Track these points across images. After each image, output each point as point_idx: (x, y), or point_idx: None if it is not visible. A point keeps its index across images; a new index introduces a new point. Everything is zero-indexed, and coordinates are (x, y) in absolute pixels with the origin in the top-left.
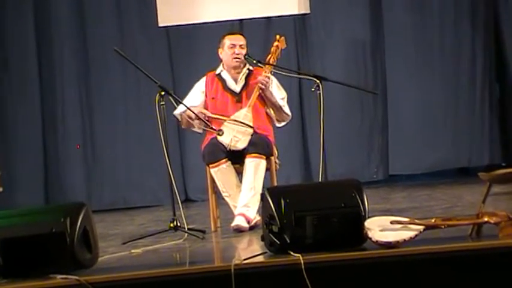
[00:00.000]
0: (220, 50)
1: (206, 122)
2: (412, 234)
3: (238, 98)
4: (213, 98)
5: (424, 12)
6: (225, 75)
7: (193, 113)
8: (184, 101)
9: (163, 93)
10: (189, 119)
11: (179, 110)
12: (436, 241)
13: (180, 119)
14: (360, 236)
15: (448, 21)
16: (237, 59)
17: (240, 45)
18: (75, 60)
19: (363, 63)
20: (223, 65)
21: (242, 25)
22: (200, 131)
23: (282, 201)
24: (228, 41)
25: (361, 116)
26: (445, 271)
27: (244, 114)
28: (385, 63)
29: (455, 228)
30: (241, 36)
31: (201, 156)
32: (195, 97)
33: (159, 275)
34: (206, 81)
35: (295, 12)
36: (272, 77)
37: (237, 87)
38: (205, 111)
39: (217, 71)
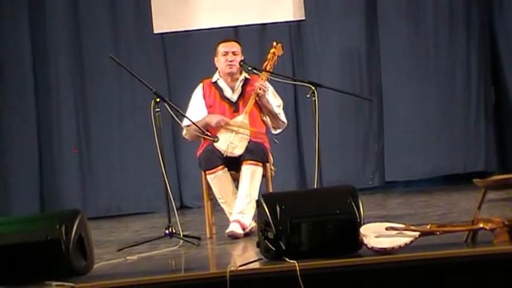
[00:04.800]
0: (215, 59)
1: (204, 130)
2: (407, 240)
3: (235, 107)
4: (210, 106)
5: (419, 20)
6: (222, 83)
7: (205, 134)
8: (188, 114)
9: (158, 100)
10: (201, 134)
11: (187, 122)
12: (431, 247)
13: (185, 132)
14: (355, 243)
15: (443, 29)
16: (230, 66)
17: (233, 52)
18: (70, 68)
19: (358, 70)
20: (219, 72)
21: (237, 32)
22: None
23: (278, 208)
24: (221, 48)
25: (356, 122)
26: (441, 277)
27: (241, 121)
28: (380, 70)
29: (451, 234)
30: (234, 43)
31: (197, 162)
32: (200, 109)
33: (154, 281)
34: (204, 89)
35: (291, 19)
36: (268, 85)
37: (233, 96)
38: (226, 119)
39: (214, 79)
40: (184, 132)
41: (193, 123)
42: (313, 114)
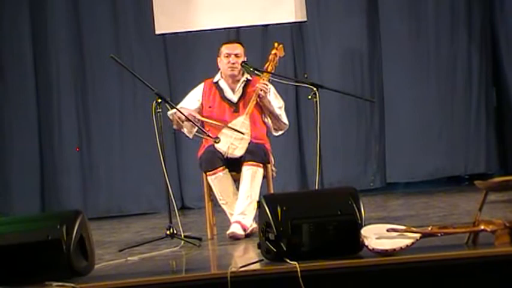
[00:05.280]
0: (218, 59)
1: (202, 128)
2: (408, 242)
3: (236, 108)
4: (210, 107)
5: (420, 21)
6: (223, 84)
7: (183, 114)
8: (180, 105)
9: (160, 100)
10: (179, 120)
11: (172, 110)
12: (432, 249)
13: (171, 119)
14: (356, 244)
15: (444, 29)
16: (232, 68)
17: (236, 54)
18: (71, 68)
19: (360, 71)
20: (221, 73)
21: (239, 33)
22: (190, 135)
23: (279, 209)
24: (224, 49)
25: (358, 124)
26: (442, 279)
27: (242, 122)
28: (381, 71)
29: (452, 236)
30: (237, 45)
31: (198, 163)
32: (190, 102)
33: (155, 282)
34: (204, 89)
35: (292, 20)
36: (270, 86)
37: (234, 97)
38: (195, 114)
39: (215, 79)
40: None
41: (178, 110)
42: (315, 115)
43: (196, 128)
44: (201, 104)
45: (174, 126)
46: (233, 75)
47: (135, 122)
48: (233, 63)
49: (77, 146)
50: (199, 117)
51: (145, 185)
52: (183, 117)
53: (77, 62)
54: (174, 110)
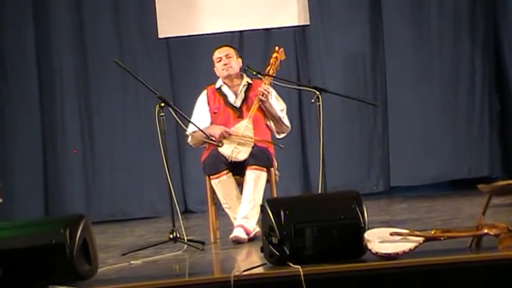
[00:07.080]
0: (215, 68)
1: (207, 134)
2: (411, 245)
3: (239, 113)
4: (215, 113)
5: (423, 25)
6: (226, 89)
7: (210, 139)
8: (193, 120)
9: (163, 104)
10: (205, 140)
11: (191, 130)
12: (435, 253)
13: (191, 138)
14: (359, 248)
15: (448, 33)
16: (226, 69)
17: (226, 55)
18: (74, 71)
19: (363, 75)
20: (221, 79)
21: (242, 37)
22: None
23: (282, 213)
24: (216, 55)
25: (361, 127)
26: (445, 283)
27: (245, 125)
28: (385, 74)
29: (455, 240)
30: (226, 47)
31: (202, 167)
32: (204, 115)
33: (158, 286)
34: (208, 96)
35: (295, 23)
36: (271, 89)
37: (237, 102)
38: (228, 129)
39: (217, 85)
40: (189, 139)
41: (200, 130)
42: (318, 119)
43: (205, 135)
44: (209, 109)
45: (192, 144)
46: (228, 75)
47: (138, 126)
48: (225, 64)
49: (74, 148)
50: (230, 130)
51: (149, 188)
52: (214, 138)
53: (80, 65)
54: (193, 130)
